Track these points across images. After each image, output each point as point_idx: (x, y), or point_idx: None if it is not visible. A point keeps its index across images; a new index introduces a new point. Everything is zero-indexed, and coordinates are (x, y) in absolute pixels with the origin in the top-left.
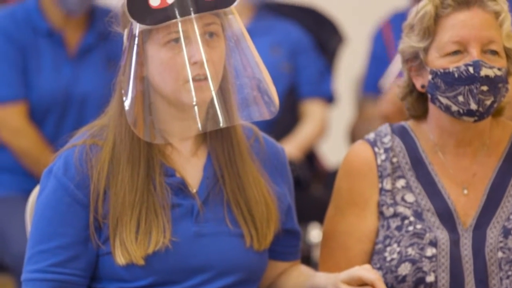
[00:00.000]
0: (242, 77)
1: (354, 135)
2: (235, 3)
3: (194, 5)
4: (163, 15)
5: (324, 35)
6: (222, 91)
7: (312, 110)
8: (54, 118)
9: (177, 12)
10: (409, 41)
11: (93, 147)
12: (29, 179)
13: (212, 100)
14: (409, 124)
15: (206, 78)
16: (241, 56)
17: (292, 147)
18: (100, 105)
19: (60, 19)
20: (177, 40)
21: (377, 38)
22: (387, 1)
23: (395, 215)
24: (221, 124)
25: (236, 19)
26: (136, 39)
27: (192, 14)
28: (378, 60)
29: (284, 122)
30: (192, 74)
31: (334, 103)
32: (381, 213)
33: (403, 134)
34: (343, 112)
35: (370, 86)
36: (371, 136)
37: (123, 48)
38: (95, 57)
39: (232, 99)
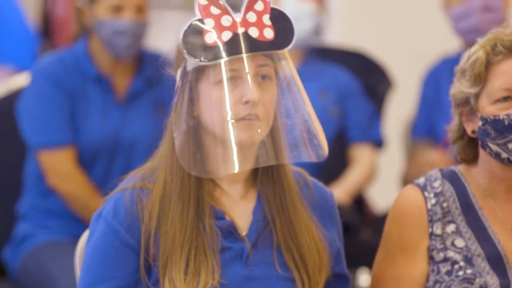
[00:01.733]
0: (292, 120)
1: (404, 180)
2: (290, 45)
3: (249, 45)
4: (218, 53)
5: (373, 80)
6: (272, 131)
7: (361, 154)
8: (103, 163)
9: (231, 51)
10: (460, 86)
11: (143, 190)
12: (79, 223)
13: (261, 139)
14: (459, 168)
15: (256, 118)
16: (292, 99)
17: (340, 191)
18: (148, 149)
19: (108, 64)
20: (229, 78)
21: (428, 83)
22: (435, 46)
23: (445, 260)
24: (269, 162)
25: (288, 62)
26: (190, 76)
27: (246, 53)
28: (429, 104)
29: (333, 166)
30: (243, 113)
31: (383, 147)
32: (431, 258)
33: (453, 179)
34: (392, 156)
35: (421, 130)
36: (421, 180)
37: (175, 88)
38: (143, 102)
39: (281, 140)
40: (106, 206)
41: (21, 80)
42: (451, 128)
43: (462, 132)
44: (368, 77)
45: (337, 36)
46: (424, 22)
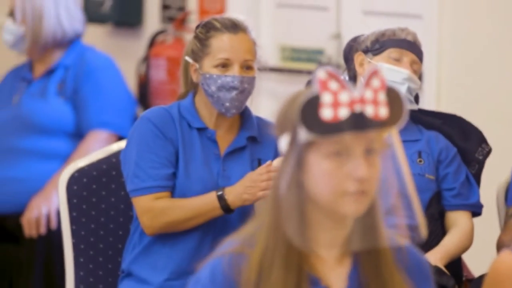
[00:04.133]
0: (391, 193)
1: (500, 245)
2: (402, 123)
3: (363, 122)
4: (332, 128)
5: (470, 145)
6: (373, 205)
7: (458, 220)
8: None
9: (346, 127)
10: None
11: (241, 255)
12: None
13: (363, 214)
14: None
15: (363, 193)
16: (394, 172)
17: (436, 256)
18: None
19: (213, 119)
20: (340, 153)
21: None
22: None
23: None
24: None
25: (395, 138)
26: (299, 145)
27: (360, 131)
28: None
29: (428, 231)
30: (352, 188)
31: (480, 213)
32: None
33: None
34: (488, 220)
35: None
36: None
37: (280, 153)
38: (243, 156)
39: (380, 214)
40: (204, 271)
41: (121, 144)
42: None
43: None
44: (465, 142)
45: (430, 103)
46: None
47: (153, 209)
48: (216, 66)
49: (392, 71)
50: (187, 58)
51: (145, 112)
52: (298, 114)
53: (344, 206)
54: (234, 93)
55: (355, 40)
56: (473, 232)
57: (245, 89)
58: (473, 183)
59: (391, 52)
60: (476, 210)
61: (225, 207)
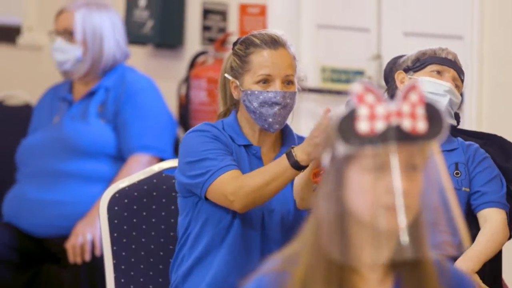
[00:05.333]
0: (433, 208)
1: None
2: (442, 138)
3: (401, 136)
4: (370, 141)
5: (509, 164)
6: (415, 221)
7: (487, 217)
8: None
9: (384, 141)
10: None
11: (284, 273)
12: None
13: (405, 229)
14: None
15: (403, 207)
16: (435, 186)
17: (468, 265)
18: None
19: (256, 135)
20: (379, 167)
21: None
22: None
23: None
24: (411, 254)
25: (436, 152)
26: (339, 161)
27: (398, 144)
28: None
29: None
30: (391, 202)
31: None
32: None
33: None
34: None
35: None
36: None
37: (322, 170)
38: None
39: (424, 230)
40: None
41: (162, 165)
42: None
43: None
44: (505, 162)
45: (471, 124)
46: None
47: (235, 181)
48: (257, 82)
49: (433, 83)
50: (226, 75)
51: (193, 128)
52: (336, 128)
53: (382, 221)
54: (276, 108)
55: (395, 60)
56: (505, 225)
57: (288, 104)
58: (504, 184)
59: (433, 67)
60: (505, 207)
61: (295, 164)
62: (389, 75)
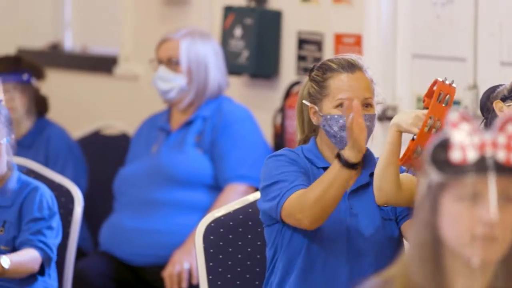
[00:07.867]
0: None
1: None
2: None
3: (495, 167)
4: (464, 171)
5: None
6: (509, 252)
7: None
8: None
9: (478, 171)
10: None
11: None
12: None
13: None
14: None
15: (493, 239)
16: None
17: None
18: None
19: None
20: (472, 197)
21: None
22: None
23: None
24: (504, 286)
25: None
26: (432, 189)
27: (492, 175)
28: None
29: None
30: (481, 233)
31: None
32: None
33: None
34: None
35: None
36: None
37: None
38: (368, 194)
39: None
40: None
41: (257, 195)
42: None
43: None
44: None
45: None
46: None
47: (298, 199)
48: (336, 106)
49: None
50: (304, 101)
51: (272, 153)
52: (429, 155)
53: (472, 252)
54: None
55: (492, 90)
56: None
57: (367, 127)
58: None
59: None
60: None
61: (345, 163)
62: (485, 105)
